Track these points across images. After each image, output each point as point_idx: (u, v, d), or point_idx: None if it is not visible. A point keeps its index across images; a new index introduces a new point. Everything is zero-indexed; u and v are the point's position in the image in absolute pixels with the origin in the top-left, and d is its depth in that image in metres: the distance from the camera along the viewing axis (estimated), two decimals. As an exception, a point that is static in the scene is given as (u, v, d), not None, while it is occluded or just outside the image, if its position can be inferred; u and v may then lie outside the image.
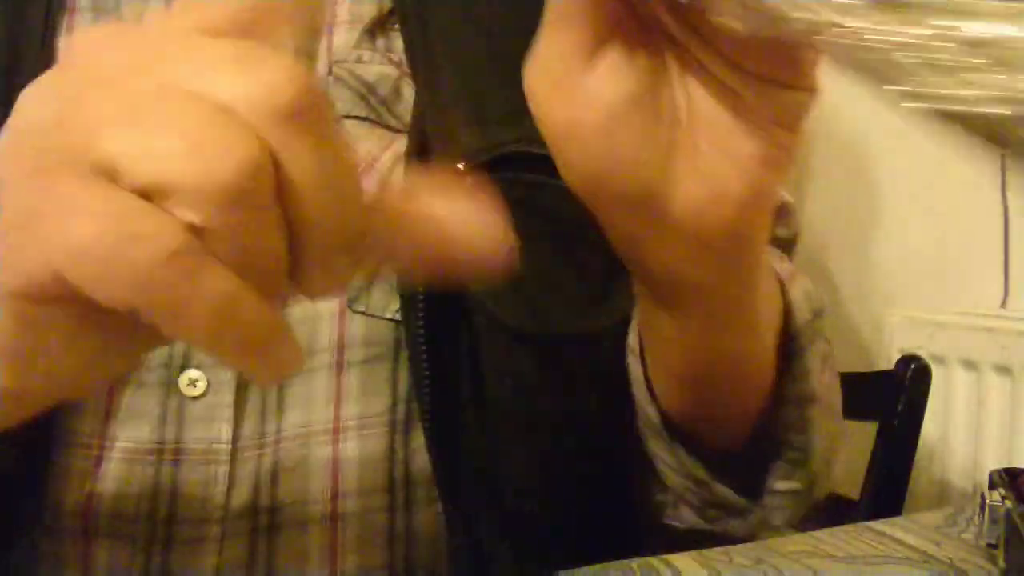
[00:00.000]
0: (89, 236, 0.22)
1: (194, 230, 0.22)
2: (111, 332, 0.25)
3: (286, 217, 0.24)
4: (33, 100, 0.25)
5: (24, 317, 0.24)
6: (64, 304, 0.23)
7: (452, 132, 0.49)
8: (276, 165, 0.23)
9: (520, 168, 0.50)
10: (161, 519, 0.46)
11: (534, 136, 0.51)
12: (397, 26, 0.53)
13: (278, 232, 0.24)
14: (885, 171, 1.35)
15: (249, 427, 0.47)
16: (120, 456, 0.46)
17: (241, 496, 0.46)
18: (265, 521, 0.46)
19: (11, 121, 0.24)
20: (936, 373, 1.03)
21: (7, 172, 0.24)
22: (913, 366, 0.99)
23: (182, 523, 0.46)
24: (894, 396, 0.98)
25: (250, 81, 0.23)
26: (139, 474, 0.46)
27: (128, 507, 0.46)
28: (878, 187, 1.36)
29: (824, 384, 0.49)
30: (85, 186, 0.22)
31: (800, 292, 0.50)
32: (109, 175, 0.22)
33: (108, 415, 0.47)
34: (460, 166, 0.48)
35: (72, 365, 0.26)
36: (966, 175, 1.26)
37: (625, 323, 0.54)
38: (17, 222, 0.23)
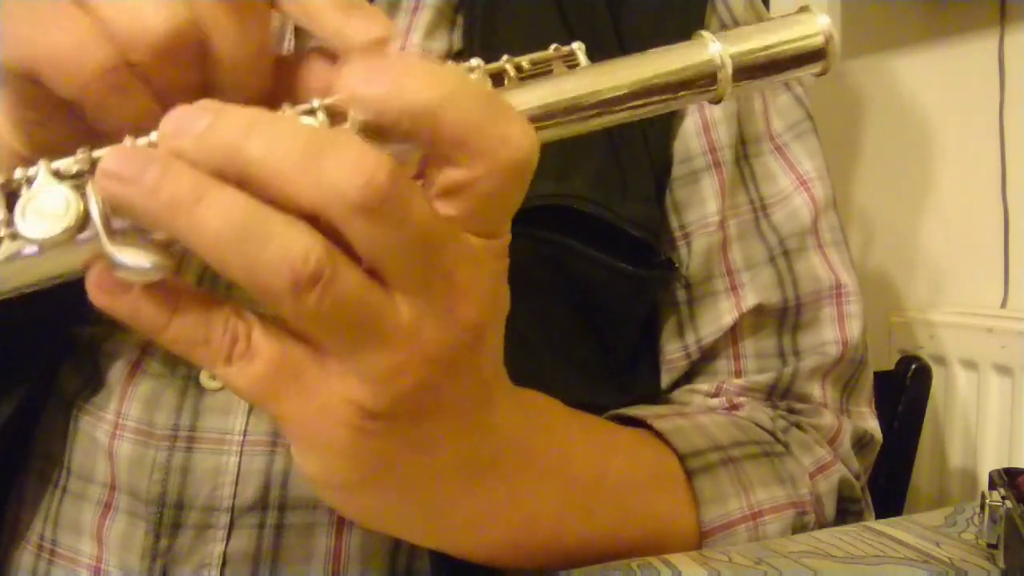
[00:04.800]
0: (57, 42, 0.30)
1: (127, 63, 0.30)
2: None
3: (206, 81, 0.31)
4: None
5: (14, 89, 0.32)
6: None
7: None
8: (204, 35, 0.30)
9: (555, 228, 0.51)
10: (171, 503, 0.47)
11: (578, 195, 0.51)
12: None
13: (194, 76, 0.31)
14: (883, 172, 1.35)
15: (264, 423, 0.47)
16: (133, 437, 0.48)
17: (250, 490, 0.47)
18: (273, 519, 0.47)
19: None
20: (936, 373, 1.03)
21: None
22: (913, 366, 0.99)
23: (191, 508, 0.47)
24: (895, 396, 0.98)
25: None
26: (153, 456, 0.47)
27: (141, 487, 0.47)
28: (876, 188, 1.36)
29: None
30: (65, 9, 0.30)
31: (826, 486, 0.52)
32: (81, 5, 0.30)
33: (124, 396, 0.48)
34: None
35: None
36: (966, 175, 1.26)
37: (640, 402, 0.55)
38: (23, 16, 0.31)
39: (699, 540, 0.47)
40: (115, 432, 0.48)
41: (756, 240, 0.58)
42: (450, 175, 0.29)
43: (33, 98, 0.32)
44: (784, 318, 0.57)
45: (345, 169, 0.26)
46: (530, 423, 0.39)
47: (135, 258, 0.28)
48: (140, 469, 0.47)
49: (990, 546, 0.41)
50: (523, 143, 0.29)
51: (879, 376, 0.94)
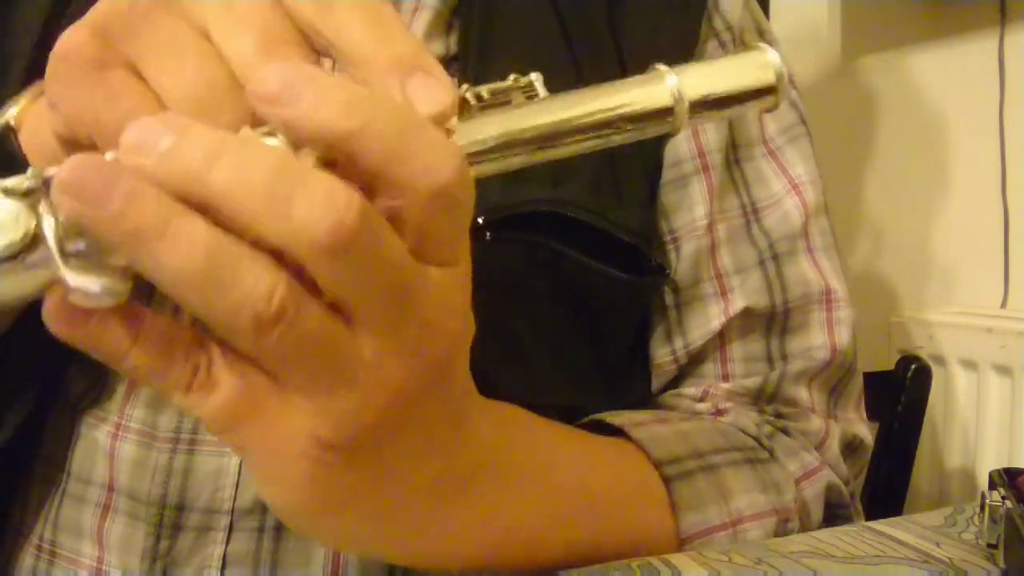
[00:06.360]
0: (110, 118, 0.29)
1: None
2: None
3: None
4: None
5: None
6: None
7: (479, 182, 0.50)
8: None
9: (550, 233, 0.50)
10: (172, 504, 0.47)
11: (572, 201, 0.51)
12: (458, 72, 0.53)
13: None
14: (883, 172, 1.35)
15: None
16: (136, 439, 0.48)
17: (250, 493, 0.47)
18: (272, 522, 0.47)
19: None
20: (936, 373, 1.03)
21: None
22: (913, 366, 0.99)
23: (192, 510, 0.47)
24: (894, 396, 0.98)
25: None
26: (155, 458, 0.47)
27: (142, 489, 0.47)
28: (876, 188, 1.36)
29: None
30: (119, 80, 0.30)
31: (812, 492, 0.52)
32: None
33: (128, 398, 0.48)
34: (479, 220, 0.47)
35: None
36: (966, 175, 1.26)
37: (633, 406, 0.54)
38: (75, 87, 0.30)
39: (679, 548, 0.47)
40: (117, 433, 0.48)
41: (746, 244, 0.57)
42: (380, 204, 0.28)
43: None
44: (772, 322, 0.57)
45: (314, 208, 0.25)
46: (506, 437, 0.39)
47: (91, 283, 0.27)
48: (142, 471, 0.47)
49: (990, 546, 0.41)
50: (443, 169, 0.27)
51: (879, 376, 0.95)
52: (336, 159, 0.27)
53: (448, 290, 0.30)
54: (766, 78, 0.34)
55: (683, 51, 0.57)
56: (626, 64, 0.55)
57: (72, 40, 0.30)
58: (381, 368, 0.29)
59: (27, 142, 0.35)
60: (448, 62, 0.54)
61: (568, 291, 0.52)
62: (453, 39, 0.54)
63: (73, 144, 0.31)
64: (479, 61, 0.53)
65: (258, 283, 0.26)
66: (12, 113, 0.36)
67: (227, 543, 0.47)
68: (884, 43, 1.34)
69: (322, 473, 0.31)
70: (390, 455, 0.32)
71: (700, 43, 0.58)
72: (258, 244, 0.26)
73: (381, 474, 0.32)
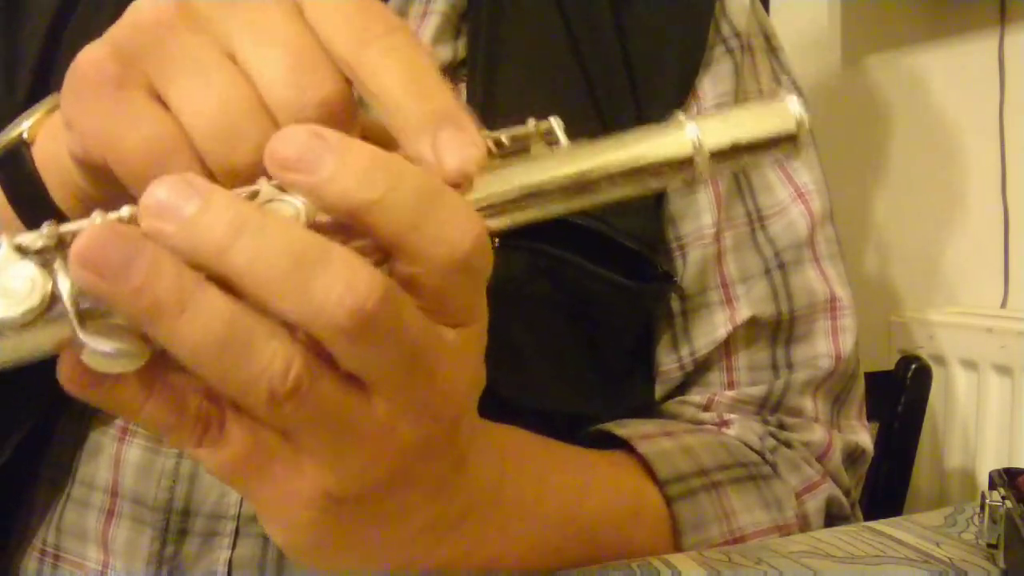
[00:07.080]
0: (128, 143, 0.29)
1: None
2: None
3: None
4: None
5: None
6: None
7: None
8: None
9: (551, 240, 0.50)
10: (178, 509, 0.47)
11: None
12: (466, 77, 0.53)
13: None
14: (883, 172, 1.35)
15: None
16: (143, 443, 0.48)
17: None
18: None
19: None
20: (936, 373, 1.04)
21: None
22: (913, 366, 0.99)
23: (198, 516, 0.47)
24: (894, 396, 0.98)
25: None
26: (161, 463, 0.47)
27: (148, 493, 0.47)
28: (876, 188, 1.36)
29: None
30: (138, 103, 0.29)
31: (813, 506, 0.53)
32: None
33: None
34: None
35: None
36: (966, 175, 1.26)
37: (634, 412, 0.54)
38: (97, 109, 0.30)
39: None
40: (123, 438, 0.48)
41: (752, 252, 0.58)
42: (397, 269, 0.27)
43: (106, 173, 0.30)
44: (778, 331, 0.57)
45: (334, 291, 0.25)
46: (504, 468, 0.39)
47: (107, 346, 0.26)
48: (148, 476, 0.47)
49: (990, 546, 0.41)
50: (462, 242, 0.27)
51: (879, 376, 0.95)
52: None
53: (462, 350, 0.30)
54: (786, 127, 0.33)
55: (690, 57, 0.57)
56: (633, 69, 0.55)
57: (91, 57, 0.29)
58: (393, 429, 0.29)
59: (41, 158, 0.35)
60: (456, 67, 0.54)
61: (570, 297, 0.52)
62: (461, 44, 0.54)
63: (87, 164, 0.31)
64: (487, 66, 0.53)
65: (274, 358, 0.26)
66: (26, 126, 0.35)
67: (233, 548, 0.47)
68: (884, 43, 1.34)
69: (327, 520, 0.31)
70: (396, 503, 0.32)
71: (708, 49, 0.58)
72: (275, 319, 0.26)
73: (385, 519, 0.33)
